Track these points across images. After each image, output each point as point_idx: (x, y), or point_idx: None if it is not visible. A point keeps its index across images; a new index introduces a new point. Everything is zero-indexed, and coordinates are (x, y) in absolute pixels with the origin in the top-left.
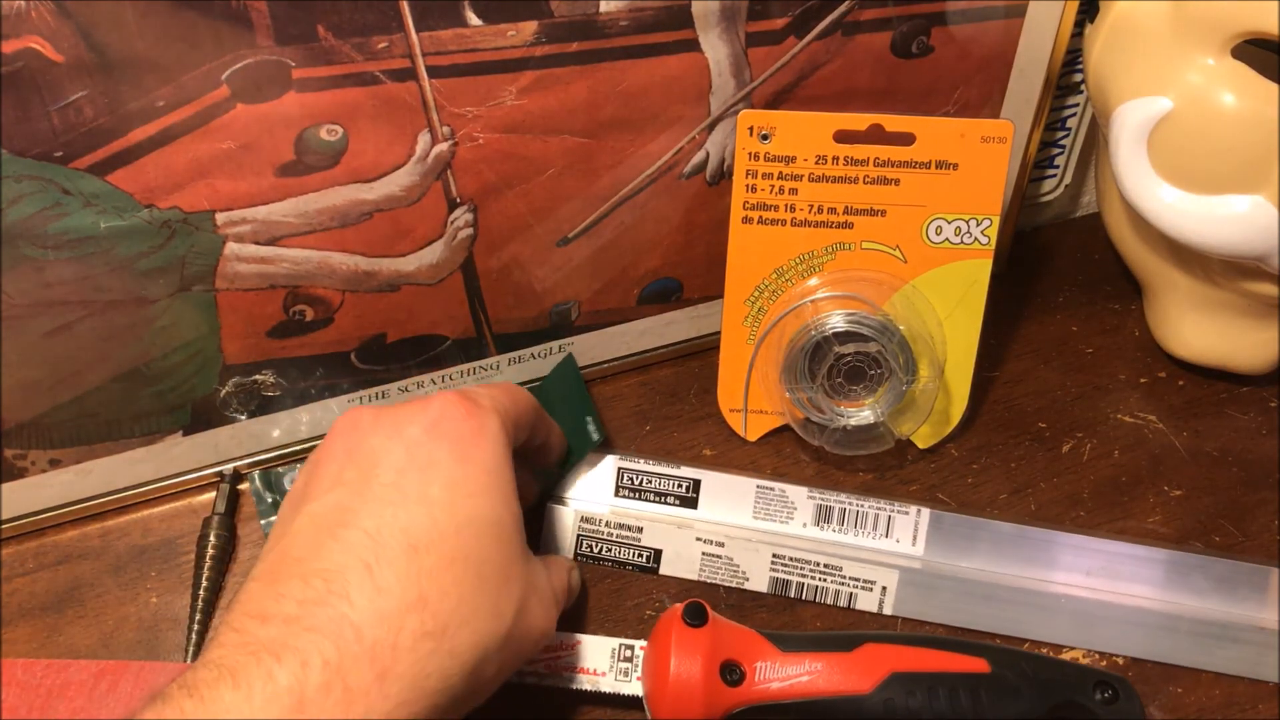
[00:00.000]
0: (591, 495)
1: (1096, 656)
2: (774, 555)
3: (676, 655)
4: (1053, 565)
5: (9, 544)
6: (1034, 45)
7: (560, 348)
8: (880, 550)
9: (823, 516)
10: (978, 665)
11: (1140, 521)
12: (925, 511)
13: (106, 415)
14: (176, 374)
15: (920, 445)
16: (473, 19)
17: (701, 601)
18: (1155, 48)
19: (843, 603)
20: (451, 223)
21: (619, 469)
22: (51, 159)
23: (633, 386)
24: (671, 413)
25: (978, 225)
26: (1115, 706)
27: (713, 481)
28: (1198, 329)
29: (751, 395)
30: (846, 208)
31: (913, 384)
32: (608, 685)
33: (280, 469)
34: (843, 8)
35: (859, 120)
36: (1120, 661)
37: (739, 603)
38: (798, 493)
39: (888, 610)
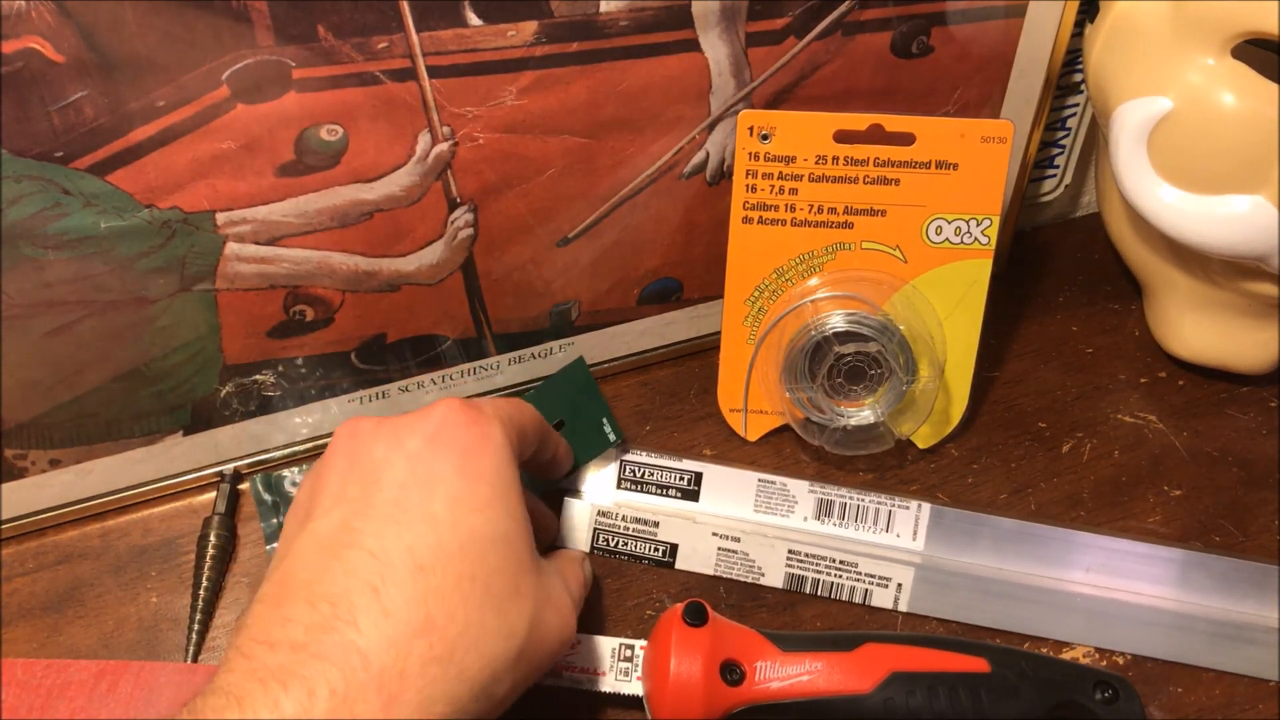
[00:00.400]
0: (595, 488)
1: (1097, 655)
2: (789, 551)
3: (677, 655)
4: (1052, 561)
5: (9, 544)
6: (1034, 45)
7: (560, 348)
8: (881, 545)
9: (823, 510)
10: (978, 665)
11: (1140, 521)
12: (926, 506)
13: (106, 415)
14: (176, 374)
15: (920, 445)
16: (473, 19)
17: (701, 601)
18: (1155, 48)
19: (858, 599)
20: (451, 223)
21: (621, 461)
22: (51, 159)
23: (633, 386)
24: (671, 413)
25: (978, 225)
26: (1115, 706)
27: (714, 475)
28: (1198, 329)
29: (751, 395)
30: (846, 208)
31: (913, 384)
32: (608, 685)
33: (280, 470)
34: (843, 8)
35: (859, 120)
36: (1120, 661)
37: (739, 602)
38: (799, 486)
39: (903, 607)
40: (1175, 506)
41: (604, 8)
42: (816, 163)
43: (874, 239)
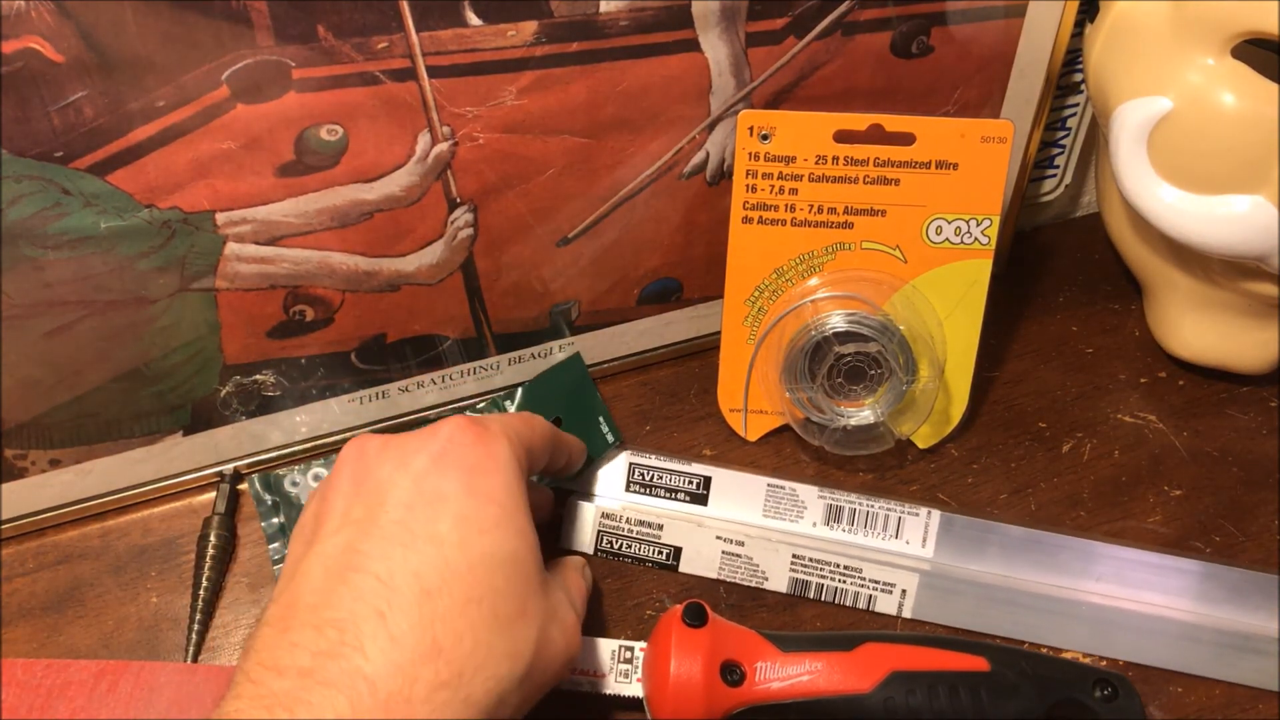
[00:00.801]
0: (603, 490)
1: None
2: (794, 556)
3: (677, 656)
4: (1061, 570)
5: (9, 544)
6: (1034, 45)
7: (560, 348)
8: (889, 551)
9: (833, 516)
10: (977, 664)
11: (1140, 521)
12: (935, 514)
13: (106, 415)
14: (176, 374)
15: (920, 445)
16: (473, 19)
17: (701, 602)
18: (1155, 48)
19: (862, 605)
20: (451, 223)
21: (630, 464)
22: (51, 159)
23: (633, 386)
24: (671, 413)
25: (978, 225)
26: (1115, 705)
27: (723, 479)
28: (1198, 329)
29: (751, 395)
30: (846, 208)
31: (913, 384)
32: (608, 686)
33: (280, 470)
34: (843, 8)
35: (859, 120)
36: (1121, 661)
37: (739, 602)
38: (808, 492)
39: (907, 613)
40: (1175, 506)
41: (604, 8)
42: (816, 163)
43: (874, 239)
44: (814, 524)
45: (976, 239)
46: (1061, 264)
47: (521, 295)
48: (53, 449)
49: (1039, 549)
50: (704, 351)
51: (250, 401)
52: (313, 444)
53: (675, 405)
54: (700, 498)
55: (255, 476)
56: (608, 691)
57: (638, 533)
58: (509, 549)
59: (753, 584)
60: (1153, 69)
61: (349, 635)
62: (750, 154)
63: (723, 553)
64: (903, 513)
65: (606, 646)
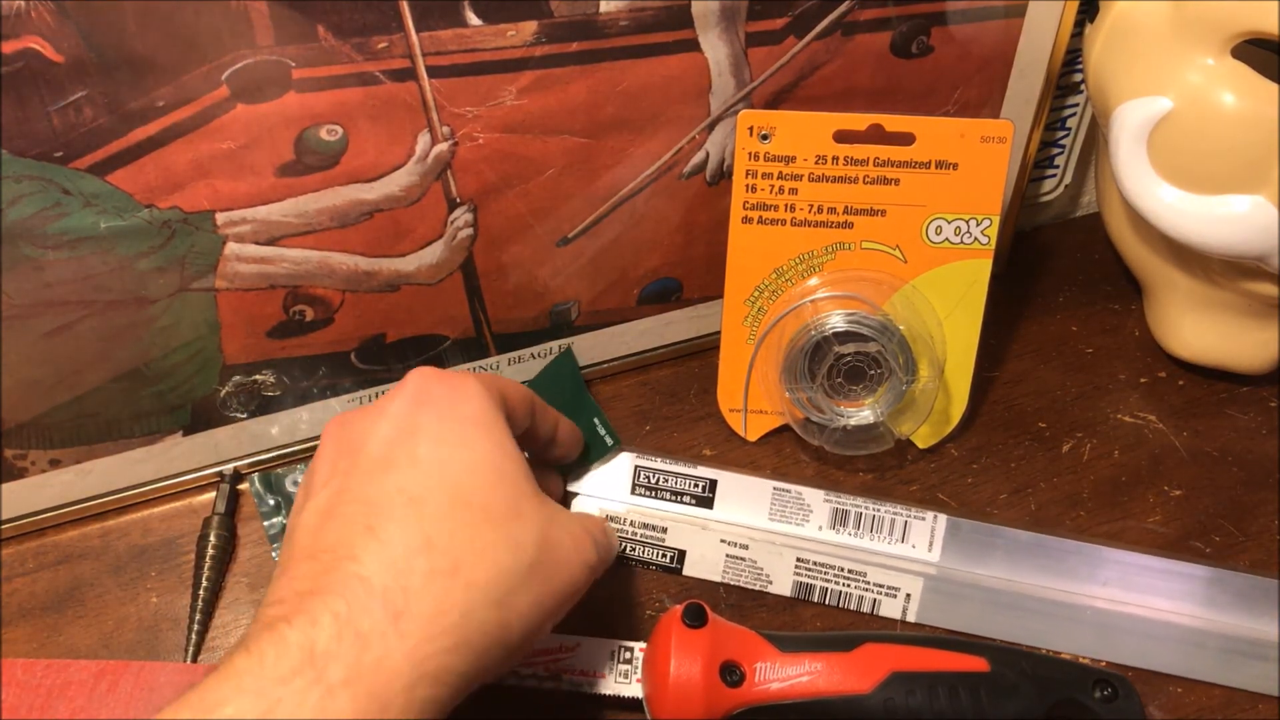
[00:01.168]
0: (608, 492)
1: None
2: (798, 559)
3: (676, 656)
4: (1067, 575)
5: (9, 544)
6: (1034, 45)
7: (560, 348)
8: (896, 556)
9: (839, 520)
10: (977, 664)
11: (1140, 521)
12: (942, 518)
13: (106, 415)
14: (176, 374)
15: (920, 445)
16: (473, 19)
17: (701, 602)
18: (1155, 48)
19: (866, 609)
20: (451, 223)
21: (636, 467)
22: (51, 159)
23: (633, 386)
24: (671, 413)
25: (978, 225)
26: (1114, 705)
27: (729, 482)
28: (1198, 329)
29: (751, 395)
30: (846, 208)
31: (913, 384)
32: (607, 687)
33: (280, 470)
34: (843, 8)
35: (859, 120)
36: (1126, 665)
37: (739, 603)
38: (814, 495)
39: (911, 617)
40: (1175, 506)
41: (604, 8)
42: (816, 163)
43: (874, 239)
44: (819, 528)
45: (976, 239)
46: (1061, 264)
47: (521, 295)
48: (53, 449)
49: (1045, 554)
50: (704, 351)
51: (250, 401)
52: (313, 444)
53: (675, 405)
54: (706, 501)
55: (256, 476)
56: (607, 692)
57: (642, 535)
58: (490, 458)
59: (756, 588)
60: (1153, 69)
61: (342, 550)
62: (750, 154)
63: (727, 556)
64: (909, 517)
65: (606, 647)
